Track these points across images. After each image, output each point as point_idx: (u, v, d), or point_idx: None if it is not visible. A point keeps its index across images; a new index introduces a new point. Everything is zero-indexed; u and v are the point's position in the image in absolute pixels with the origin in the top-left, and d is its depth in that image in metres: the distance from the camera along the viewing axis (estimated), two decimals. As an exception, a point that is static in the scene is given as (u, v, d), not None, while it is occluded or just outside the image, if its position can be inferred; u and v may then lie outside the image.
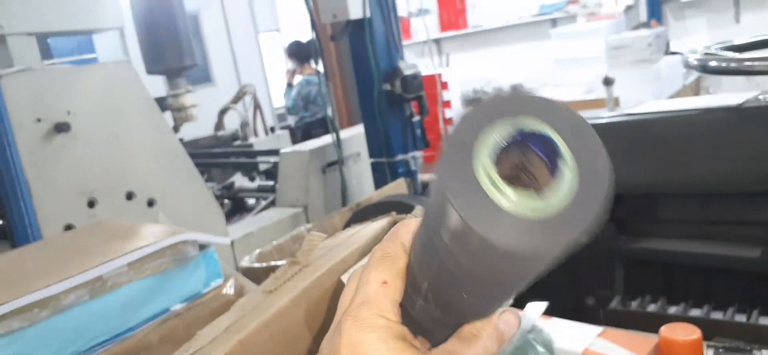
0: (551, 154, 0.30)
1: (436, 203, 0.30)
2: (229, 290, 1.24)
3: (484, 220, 0.27)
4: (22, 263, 1.18)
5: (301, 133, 4.61)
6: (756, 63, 1.36)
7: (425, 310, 0.40)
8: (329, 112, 2.69)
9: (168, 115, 2.19)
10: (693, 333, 1.18)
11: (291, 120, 5.19)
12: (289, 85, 4.81)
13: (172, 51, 2.10)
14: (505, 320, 0.42)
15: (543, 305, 1.22)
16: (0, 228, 1.82)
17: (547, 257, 0.29)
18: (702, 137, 1.67)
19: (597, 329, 1.28)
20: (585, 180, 0.29)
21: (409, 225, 0.44)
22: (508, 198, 0.28)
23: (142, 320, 1.12)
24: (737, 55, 1.49)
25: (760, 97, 1.60)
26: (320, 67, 5.11)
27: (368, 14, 2.34)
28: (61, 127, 1.72)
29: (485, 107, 0.30)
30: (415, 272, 0.40)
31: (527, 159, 0.30)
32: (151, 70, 2.19)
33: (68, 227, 1.78)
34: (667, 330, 1.20)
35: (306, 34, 5.23)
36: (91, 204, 1.81)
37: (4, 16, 1.62)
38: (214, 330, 0.94)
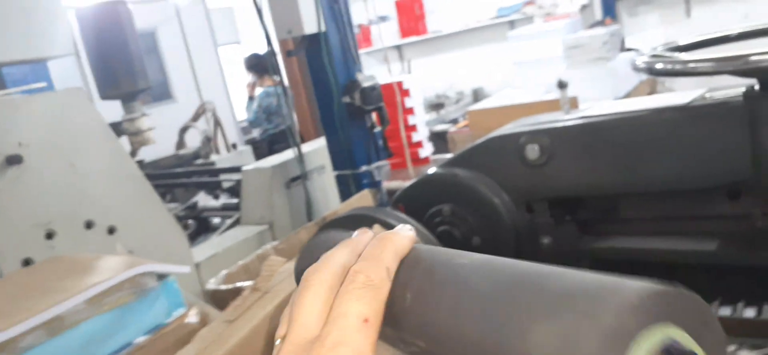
0: None
1: None
2: (192, 318, 1.22)
3: None
4: (-25, 306, 1.15)
5: (266, 145, 4.58)
6: (699, 64, 1.40)
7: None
8: (290, 126, 2.68)
9: (125, 140, 2.16)
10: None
11: (255, 133, 5.16)
12: (250, 98, 4.78)
13: (125, 75, 2.06)
14: None
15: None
16: (-46, 266, 1.77)
17: None
18: (654, 137, 1.72)
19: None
20: None
21: (397, 244, 0.38)
22: None
23: (105, 355, 1.10)
24: (682, 57, 1.53)
25: (706, 95, 1.65)
26: (280, 80, 5.13)
27: (323, 28, 2.34)
28: (13, 160, 1.68)
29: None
30: (405, 320, 0.35)
31: None
32: (105, 96, 2.15)
33: (27, 261, 1.73)
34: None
35: (265, 46, 5.22)
36: (50, 235, 1.77)
37: (-51, 48, 1.58)
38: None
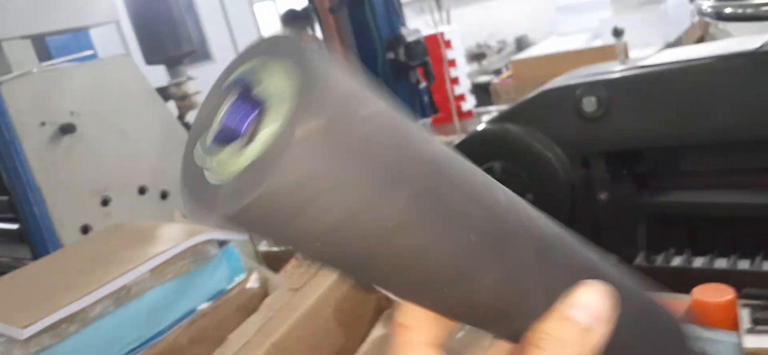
0: (248, 94, 0.25)
1: None
2: (253, 283, 1.22)
3: (202, 201, 0.24)
4: (45, 277, 1.17)
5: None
6: (777, 8, 1.31)
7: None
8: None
9: (172, 104, 2.16)
10: (726, 294, 1.16)
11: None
12: None
13: (169, 40, 2.06)
14: (577, 302, 0.30)
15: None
16: (18, 232, 1.82)
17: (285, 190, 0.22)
18: (720, 85, 1.64)
19: (627, 292, 1.27)
20: (299, 97, 0.23)
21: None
22: (213, 170, 0.24)
23: (170, 323, 1.12)
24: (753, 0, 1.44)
25: (778, 40, 1.55)
26: (318, 34, 5.09)
27: (366, -18, 2.29)
28: (66, 129, 1.70)
29: (216, 84, 0.27)
30: None
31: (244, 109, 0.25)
32: (150, 61, 2.15)
33: (85, 228, 1.77)
34: (700, 292, 1.19)
35: (300, 2, 5.17)
36: (105, 202, 1.79)
37: None
38: (244, 334, 0.93)
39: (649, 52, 1.98)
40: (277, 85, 0.24)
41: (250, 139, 0.23)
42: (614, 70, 1.79)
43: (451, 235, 0.27)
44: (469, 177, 0.29)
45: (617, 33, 1.93)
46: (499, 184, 0.31)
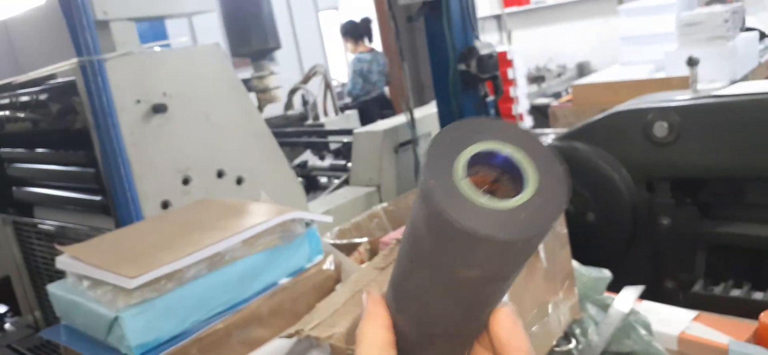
0: (511, 166, 0.35)
1: (430, 223, 0.34)
2: (329, 265, 1.30)
3: (466, 216, 0.32)
4: (144, 238, 1.27)
5: (358, 112, 4.68)
6: None
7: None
8: (399, 91, 2.72)
9: (252, 96, 2.27)
10: (795, 319, 1.17)
11: (347, 100, 5.27)
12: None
13: (257, 34, 2.17)
14: (500, 321, 0.41)
15: (639, 289, 1.24)
16: (102, 204, 1.94)
17: (517, 249, 0.33)
18: (794, 121, 1.64)
19: (691, 313, 1.29)
20: (544, 183, 0.34)
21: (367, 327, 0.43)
22: (485, 201, 0.32)
23: (254, 292, 1.20)
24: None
25: None
26: (376, 46, 5.20)
27: (446, -7, 2.35)
28: (159, 108, 1.81)
29: (449, 134, 0.35)
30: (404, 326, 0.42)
31: (493, 176, 0.35)
32: (236, 53, 2.26)
33: (165, 204, 1.87)
34: (767, 316, 1.20)
35: (360, 13, 5.29)
36: (186, 181, 1.90)
37: (107, 3, 1.71)
38: (332, 304, 1.00)
39: (718, 86, 1.99)
40: (529, 166, 0.34)
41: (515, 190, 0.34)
42: (687, 97, 1.82)
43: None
44: None
45: (692, 62, 1.95)
46: None
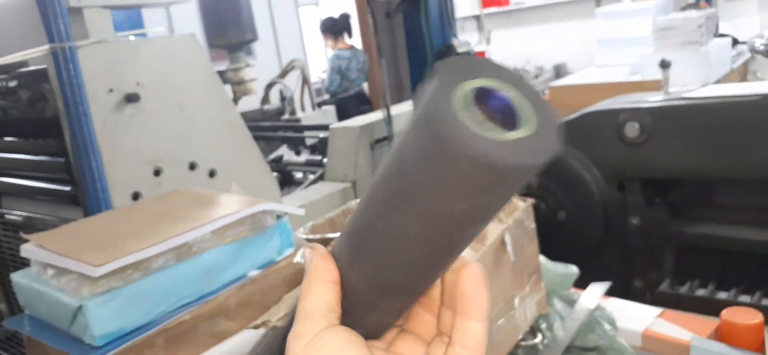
0: (511, 114, 0.35)
1: (417, 139, 0.35)
2: (299, 258, 1.29)
3: (469, 142, 0.32)
4: (112, 226, 1.25)
5: (336, 108, 4.67)
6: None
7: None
8: (377, 87, 2.72)
9: (227, 88, 2.25)
10: (755, 317, 1.20)
11: (325, 96, 5.27)
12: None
13: (234, 26, 2.15)
14: (467, 275, 0.41)
15: (605, 285, 1.26)
16: (71, 194, 1.91)
17: (510, 179, 0.34)
18: (761, 123, 1.68)
19: (656, 310, 1.31)
20: (539, 117, 0.35)
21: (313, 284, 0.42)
22: (488, 129, 0.33)
23: (222, 284, 1.19)
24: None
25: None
26: (355, 43, 5.20)
27: (425, -9, 2.36)
28: (131, 98, 1.79)
29: (449, 69, 0.36)
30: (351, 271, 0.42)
31: (489, 117, 0.35)
32: (213, 44, 2.25)
33: (136, 195, 1.85)
34: (729, 313, 1.23)
35: (339, 9, 5.29)
36: (157, 173, 1.88)
37: (82, -10, 1.69)
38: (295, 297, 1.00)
39: (690, 89, 2.02)
40: (525, 105, 0.35)
41: (510, 126, 0.34)
42: (658, 99, 1.84)
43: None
44: None
45: (664, 64, 1.98)
46: None
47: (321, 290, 0.41)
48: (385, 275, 0.40)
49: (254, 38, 2.27)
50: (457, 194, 0.34)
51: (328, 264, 0.41)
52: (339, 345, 0.39)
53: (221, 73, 2.20)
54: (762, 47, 1.49)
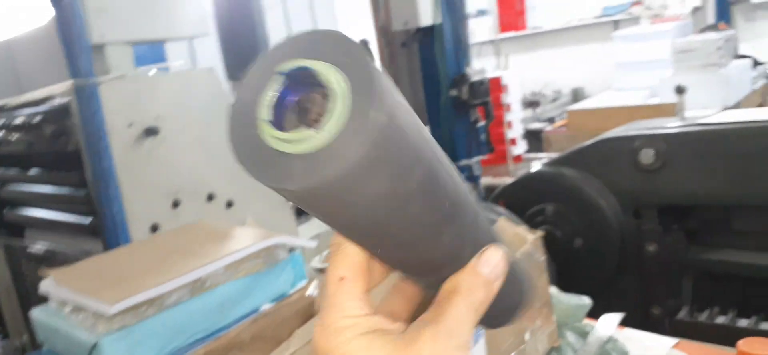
0: (316, 84, 0.30)
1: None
2: (312, 291, 1.30)
3: (276, 173, 0.28)
4: (128, 262, 1.28)
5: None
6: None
7: (382, 257, 0.38)
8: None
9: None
10: (772, 349, 1.18)
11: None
12: None
13: (252, 58, 2.17)
14: (486, 260, 0.39)
15: (619, 316, 1.24)
16: (91, 226, 1.95)
17: (359, 170, 0.28)
18: (779, 149, 1.66)
19: (671, 340, 1.29)
20: (357, 92, 0.28)
21: None
22: (284, 141, 0.29)
23: (236, 318, 1.20)
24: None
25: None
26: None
27: (439, 20, 2.39)
28: (151, 131, 1.83)
29: (258, 68, 0.32)
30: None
31: (307, 99, 0.30)
32: (232, 76, 2.30)
33: (154, 227, 1.88)
34: (745, 344, 1.21)
35: (358, 36, 5.35)
36: (176, 204, 1.91)
37: (105, 26, 1.74)
38: (308, 333, 1.01)
39: (706, 114, 2.01)
40: (336, 77, 0.29)
41: (316, 121, 0.29)
42: (673, 125, 1.83)
43: (439, 201, 0.35)
44: (445, 157, 0.37)
45: (680, 90, 1.97)
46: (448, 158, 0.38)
47: (349, 252, 0.39)
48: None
49: (272, 71, 2.30)
50: (324, 211, 0.31)
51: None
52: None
53: (238, 105, 2.23)
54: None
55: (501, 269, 0.40)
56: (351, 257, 0.37)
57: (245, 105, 0.31)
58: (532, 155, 4.27)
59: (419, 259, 0.38)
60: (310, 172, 0.28)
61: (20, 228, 2.39)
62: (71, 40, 1.72)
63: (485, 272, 0.39)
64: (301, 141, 0.28)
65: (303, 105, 0.30)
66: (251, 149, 0.30)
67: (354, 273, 0.37)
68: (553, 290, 1.14)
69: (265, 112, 0.30)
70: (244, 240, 1.22)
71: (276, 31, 6.67)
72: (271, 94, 0.30)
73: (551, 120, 5.13)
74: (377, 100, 0.28)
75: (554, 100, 6.06)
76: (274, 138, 0.29)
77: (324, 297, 0.38)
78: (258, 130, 0.30)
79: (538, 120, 5.38)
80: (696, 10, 5.22)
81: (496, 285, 0.39)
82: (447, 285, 0.39)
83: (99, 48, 1.81)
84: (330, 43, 0.30)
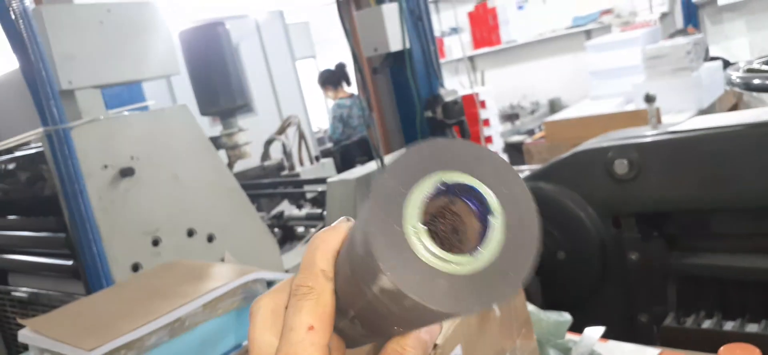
0: (479, 206, 0.29)
1: (365, 260, 0.29)
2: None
3: (415, 283, 0.27)
4: (105, 306, 1.26)
5: (339, 156, 4.72)
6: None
7: (351, 328, 0.38)
8: (365, 137, 2.76)
9: (222, 153, 2.29)
10: (752, 354, 1.19)
11: (329, 144, 5.32)
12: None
13: (224, 93, 2.20)
14: (428, 328, 0.38)
15: (600, 329, 1.25)
16: (73, 269, 1.93)
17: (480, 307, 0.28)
18: (750, 152, 1.68)
19: (654, 351, 1.30)
20: (513, 231, 0.29)
21: (328, 242, 0.37)
22: (438, 258, 0.28)
23: (218, 356, 1.19)
24: (782, 71, 1.50)
25: (807, 110, 1.60)
26: (353, 90, 5.28)
27: (408, 45, 2.41)
28: (126, 172, 1.82)
29: (412, 157, 0.30)
30: (341, 300, 0.37)
31: (456, 213, 0.30)
32: (204, 112, 2.30)
33: (135, 266, 1.87)
34: (727, 351, 1.22)
35: (335, 60, 5.39)
36: (155, 243, 1.90)
37: (73, 72, 1.73)
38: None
39: (681, 118, 2.04)
40: (495, 207, 0.29)
41: (462, 242, 0.29)
42: (646, 134, 1.85)
43: None
44: None
45: (649, 99, 2.00)
46: None
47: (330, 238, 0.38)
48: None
49: (245, 103, 2.32)
50: (394, 318, 0.31)
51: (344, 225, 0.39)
52: None
53: (215, 139, 2.24)
54: (738, 80, 1.51)
55: (437, 334, 0.39)
56: (324, 308, 0.36)
57: (391, 196, 0.29)
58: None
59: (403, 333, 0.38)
60: (459, 298, 0.27)
61: (3, 273, 2.36)
62: (38, 88, 1.71)
63: (426, 338, 0.38)
64: (457, 263, 0.28)
65: (455, 224, 0.30)
66: (395, 250, 0.28)
67: (324, 325, 0.36)
68: (532, 307, 1.14)
69: (417, 215, 0.29)
70: (221, 278, 1.21)
71: (253, 58, 6.71)
72: (424, 197, 0.29)
73: (531, 132, 5.18)
74: (535, 251, 0.28)
75: (533, 112, 6.12)
76: (429, 252, 0.28)
77: (286, 341, 0.36)
78: (405, 231, 0.28)
79: (518, 133, 5.43)
80: (664, 15, 5.32)
81: (430, 345, 0.39)
82: (394, 345, 0.37)
83: (68, 94, 1.81)
84: (489, 166, 0.30)
